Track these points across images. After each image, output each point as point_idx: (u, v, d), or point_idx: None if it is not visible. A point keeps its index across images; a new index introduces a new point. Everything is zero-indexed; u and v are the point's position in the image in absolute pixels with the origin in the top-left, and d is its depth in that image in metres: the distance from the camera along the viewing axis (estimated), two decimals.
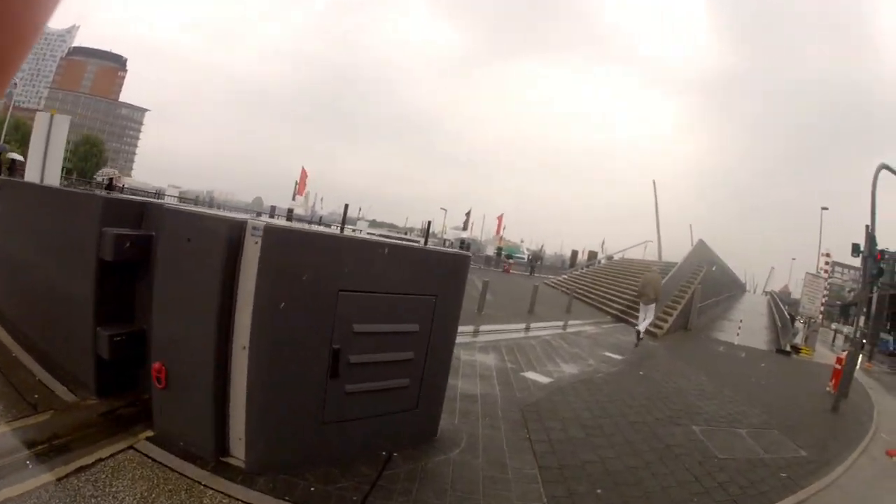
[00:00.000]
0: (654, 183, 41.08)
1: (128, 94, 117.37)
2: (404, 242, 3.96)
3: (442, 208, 59.18)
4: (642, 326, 10.97)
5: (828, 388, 10.06)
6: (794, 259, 70.09)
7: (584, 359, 7.77)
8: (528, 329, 10.09)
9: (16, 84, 67.18)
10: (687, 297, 16.10)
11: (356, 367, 3.18)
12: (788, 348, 16.32)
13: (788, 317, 19.12)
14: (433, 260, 3.71)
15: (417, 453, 3.40)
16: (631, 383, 6.71)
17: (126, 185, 31.65)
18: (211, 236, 2.95)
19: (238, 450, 2.93)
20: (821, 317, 19.76)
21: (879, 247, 9.54)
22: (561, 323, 11.97)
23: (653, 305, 11.08)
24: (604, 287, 20.29)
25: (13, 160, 12.00)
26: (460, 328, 3.80)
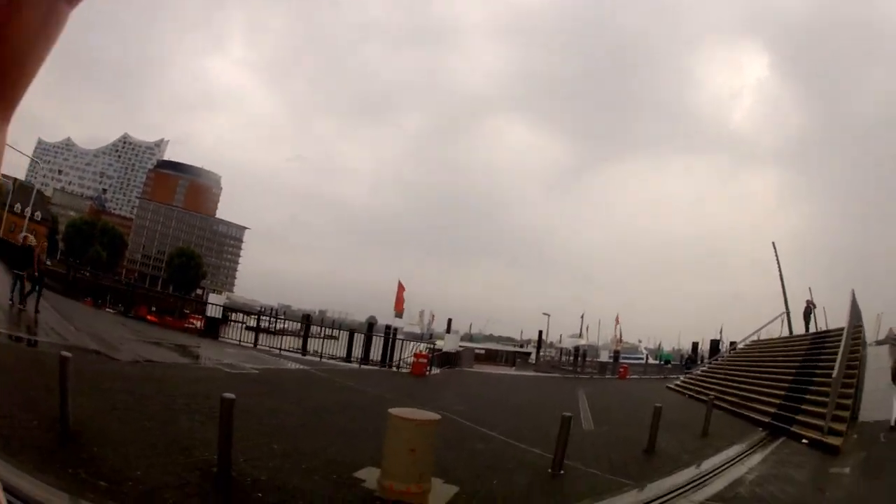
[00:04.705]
0: (773, 245, 33.47)
1: (224, 212, 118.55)
2: None
3: (545, 314, 54.82)
4: None
5: None
6: None
7: None
8: None
9: (105, 190, 74.31)
10: (857, 374, 11.77)
11: None
12: None
13: None
14: None
15: None
16: None
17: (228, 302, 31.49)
18: None
19: None
20: None
21: None
22: (696, 470, 6.91)
23: None
24: (740, 382, 15.36)
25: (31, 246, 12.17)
26: None
